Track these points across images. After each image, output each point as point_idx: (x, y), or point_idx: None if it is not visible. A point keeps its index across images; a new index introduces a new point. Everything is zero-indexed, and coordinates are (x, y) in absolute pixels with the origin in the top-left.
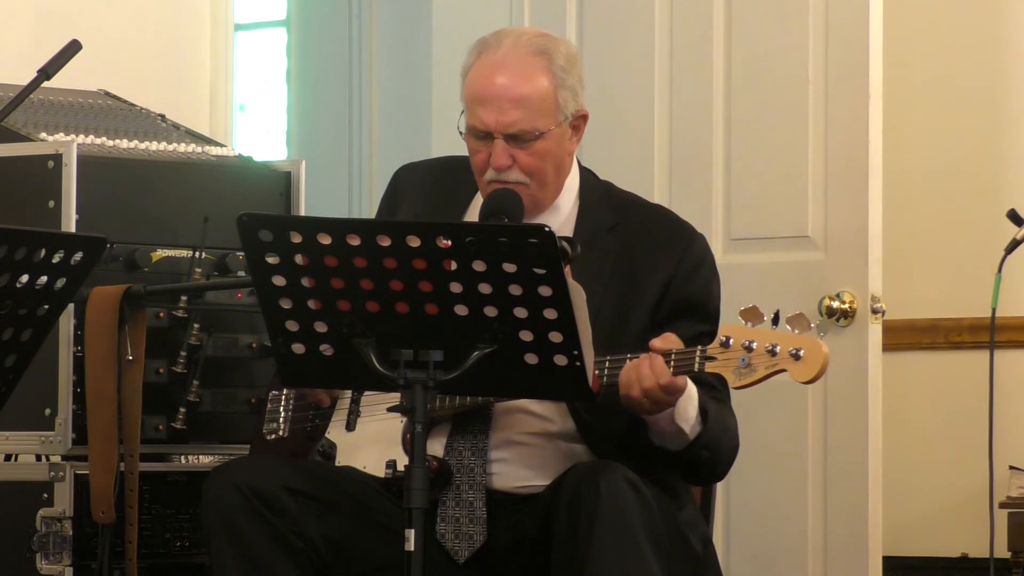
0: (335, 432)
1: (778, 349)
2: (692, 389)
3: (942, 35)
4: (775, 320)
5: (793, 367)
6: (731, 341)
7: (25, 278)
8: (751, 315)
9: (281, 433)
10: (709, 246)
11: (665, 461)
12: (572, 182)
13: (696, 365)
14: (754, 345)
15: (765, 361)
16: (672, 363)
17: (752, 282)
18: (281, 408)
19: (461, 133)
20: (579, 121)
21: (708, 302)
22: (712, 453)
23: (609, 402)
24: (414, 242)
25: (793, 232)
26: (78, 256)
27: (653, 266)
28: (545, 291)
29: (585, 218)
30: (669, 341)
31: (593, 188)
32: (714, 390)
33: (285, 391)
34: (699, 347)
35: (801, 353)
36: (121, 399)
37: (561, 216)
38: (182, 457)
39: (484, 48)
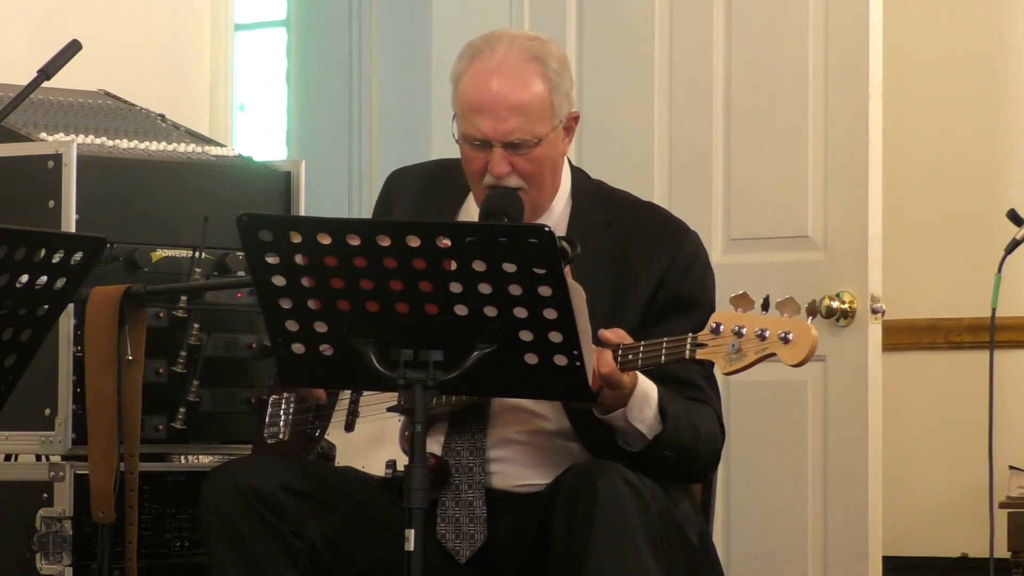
0: (334, 433)
1: (767, 333)
2: (648, 389)
3: (942, 35)
4: (764, 305)
5: (782, 350)
6: (721, 327)
7: (25, 278)
8: (741, 301)
9: (282, 436)
10: (702, 243)
11: (635, 462)
12: (564, 182)
13: (687, 352)
14: (744, 330)
15: (755, 345)
16: (619, 358)
17: (752, 282)
18: (281, 412)
19: (457, 140)
20: (571, 122)
21: (702, 299)
22: (677, 454)
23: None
24: (414, 242)
25: (793, 232)
26: (78, 256)
27: (646, 263)
28: (545, 291)
29: (578, 217)
30: (619, 335)
31: (585, 187)
32: (697, 390)
33: (285, 394)
34: (690, 334)
35: (790, 336)
36: (121, 399)
37: (554, 215)
38: (182, 457)
39: (476, 54)
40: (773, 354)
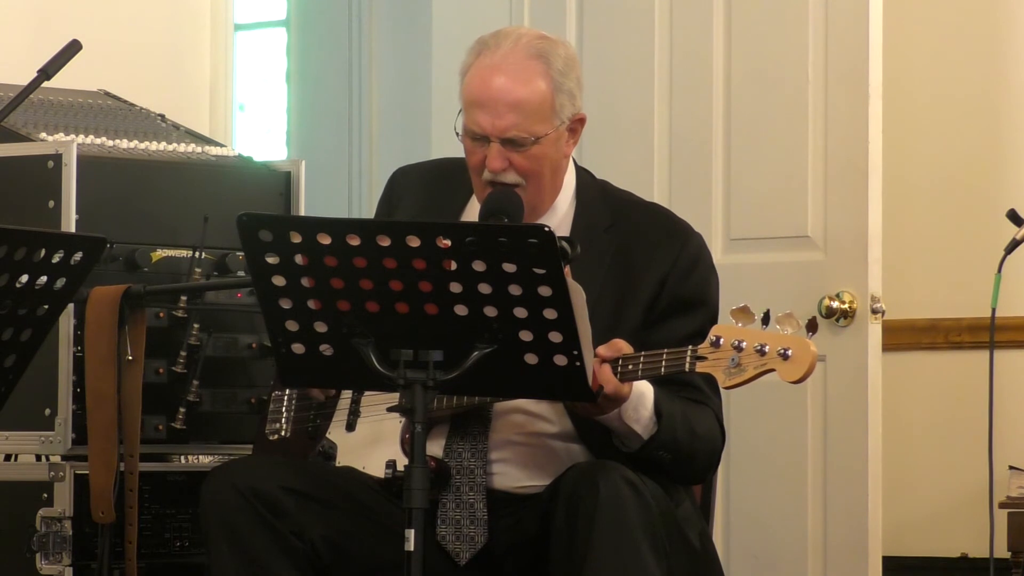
0: (335, 432)
1: (767, 349)
2: (644, 389)
3: (942, 35)
4: (765, 319)
5: (781, 367)
6: (721, 341)
7: (25, 278)
8: (742, 315)
9: (284, 433)
10: (705, 244)
11: (632, 463)
12: (568, 181)
13: (687, 365)
14: (743, 345)
15: (754, 361)
16: (619, 369)
17: (752, 282)
18: (283, 408)
19: (458, 134)
20: (576, 124)
21: (705, 300)
22: (673, 455)
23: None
24: (414, 242)
25: (793, 232)
26: (78, 256)
27: (648, 264)
28: (545, 291)
29: (581, 217)
30: (615, 348)
31: (589, 188)
32: (696, 391)
33: (288, 391)
34: (690, 347)
35: (789, 353)
36: (121, 399)
37: (558, 215)
38: (182, 457)
39: (483, 49)
40: (772, 370)
